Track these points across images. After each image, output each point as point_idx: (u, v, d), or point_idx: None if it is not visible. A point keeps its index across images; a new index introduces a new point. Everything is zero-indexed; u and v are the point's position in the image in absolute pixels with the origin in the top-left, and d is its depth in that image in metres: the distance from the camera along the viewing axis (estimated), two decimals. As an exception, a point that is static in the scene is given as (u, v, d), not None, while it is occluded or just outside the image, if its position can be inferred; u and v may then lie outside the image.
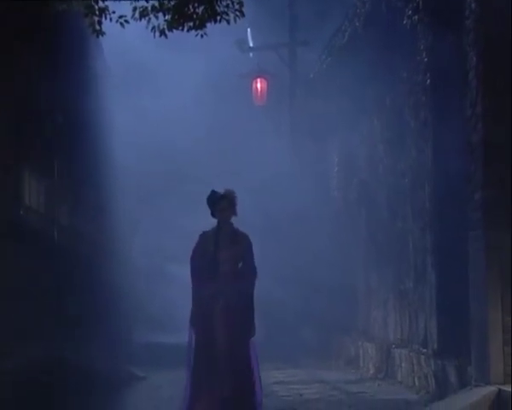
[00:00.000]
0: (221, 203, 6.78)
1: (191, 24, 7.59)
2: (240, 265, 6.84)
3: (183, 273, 17.06)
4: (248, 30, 17.68)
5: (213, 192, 6.85)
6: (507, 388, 6.39)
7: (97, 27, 7.79)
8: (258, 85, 15.24)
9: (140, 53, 15.68)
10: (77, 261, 11.67)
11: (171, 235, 16.97)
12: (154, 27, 7.67)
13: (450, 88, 8.59)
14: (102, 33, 7.93)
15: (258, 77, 15.27)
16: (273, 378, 10.68)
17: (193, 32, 7.76)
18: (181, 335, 14.86)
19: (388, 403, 8.67)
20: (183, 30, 7.68)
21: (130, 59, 14.59)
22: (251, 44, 17.13)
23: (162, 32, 7.58)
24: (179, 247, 17.71)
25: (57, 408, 8.25)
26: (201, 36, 7.78)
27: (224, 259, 6.74)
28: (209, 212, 6.90)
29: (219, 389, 6.50)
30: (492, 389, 6.48)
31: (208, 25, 7.70)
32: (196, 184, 16.82)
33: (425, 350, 9.62)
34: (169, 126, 15.60)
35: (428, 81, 9.37)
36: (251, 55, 17.19)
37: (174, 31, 7.79)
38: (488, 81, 6.72)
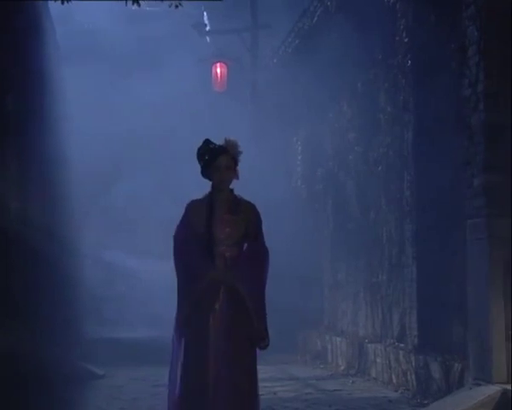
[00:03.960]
0: (219, 158, 4.92)
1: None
2: (245, 245, 5.01)
3: (142, 268, 16.45)
4: (205, 13, 17.10)
5: (208, 142, 5.00)
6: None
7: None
8: (218, 71, 14.64)
9: (96, 36, 15.07)
10: (26, 251, 10.97)
11: (127, 227, 16.35)
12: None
13: (434, 68, 8.15)
14: None
15: (218, 62, 14.67)
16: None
17: (166, 3, 7.17)
18: (137, 330, 14.28)
19: (369, 401, 8.22)
20: (156, -1, 7.09)
21: (86, 41, 13.94)
22: (208, 28, 16.56)
23: (135, 1, 6.96)
24: (135, 240, 17.23)
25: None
26: (176, 6, 7.21)
27: (222, 237, 4.92)
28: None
29: None
30: (496, 388, 6.06)
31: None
32: (147, 171, 16.24)
33: (403, 345, 9.21)
34: (123, 112, 15.02)
35: (409, 63, 8.94)
36: (208, 39, 16.60)
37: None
38: (491, 57, 6.26)
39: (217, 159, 4.94)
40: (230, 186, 5.03)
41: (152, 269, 16.30)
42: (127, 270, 16.81)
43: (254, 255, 5.01)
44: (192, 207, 5.05)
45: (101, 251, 16.73)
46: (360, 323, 10.85)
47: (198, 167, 5.18)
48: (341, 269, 11.68)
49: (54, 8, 13.29)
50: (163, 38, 15.40)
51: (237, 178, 5.02)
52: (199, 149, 5.02)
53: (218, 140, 5.05)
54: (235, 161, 5.00)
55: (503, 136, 6.27)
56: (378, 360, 9.76)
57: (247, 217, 5.02)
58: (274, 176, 14.20)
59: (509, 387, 6.08)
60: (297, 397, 8.50)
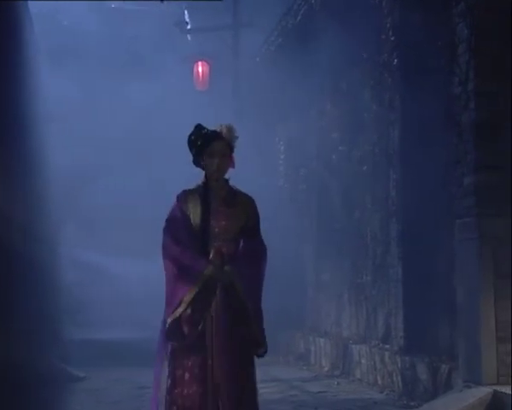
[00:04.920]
0: (213, 144, 4.47)
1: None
2: (241, 242, 4.54)
3: (123, 268, 16.24)
4: (185, 12, 16.95)
5: (200, 127, 4.52)
6: (504, 389, 5.87)
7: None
8: (200, 69, 14.49)
9: (75, 35, 14.90)
10: (2, 251, 10.76)
11: (107, 227, 16.17)
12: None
13: (422, 67, 8.08)
14: None
15: (200, 60, 14.51)
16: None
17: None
18: (118, 331, 14.09)
19: (355, 403, 8.13)
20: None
21: (66, 40, 13.76)
22: (189, 27, 16.41)
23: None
24: (115, 240, 17.04)
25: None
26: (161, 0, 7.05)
27: (218, 231, 4.47)
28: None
29: None
30: (487, 390, 5.98)
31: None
32: (129, 169, 16.08)
33: (388, 346, 9.12)
34: (105, 112, 14.85)
35: (395, 61, 8.85)
36: (189, 37, 16.46)
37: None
38: (481, 55, 6.18)
39: (210, 144, 4.48)
40: (225, 176, 4.58)
41: (133, 269, 16.14)
42: (107, 270, 16.63)
43: (252, 253, 4.55)
44: (184, 197, 4.56)
45: (80, 251, 16.54)
46: (344, 324, 10.76)
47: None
48: (325, 269, 11.58)
49: (34, 6, 13.13)
50: (144, 37, 15.24)
51: (233, 166, 4.56)
52: (190, 135, 4.54)
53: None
54: (231, 148, 4.54)
55: (493, 134, 6.19)
56: (363, 361, 9.67)
57: (245, 210, 4.57)
58: (256, 175, 14.09)
59: (499, 388, 6.00)
60: (283, 399, 8.38)
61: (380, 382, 9.07)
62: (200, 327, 4.36)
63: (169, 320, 4.38)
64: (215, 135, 4.51)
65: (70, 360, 11.50)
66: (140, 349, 11.67)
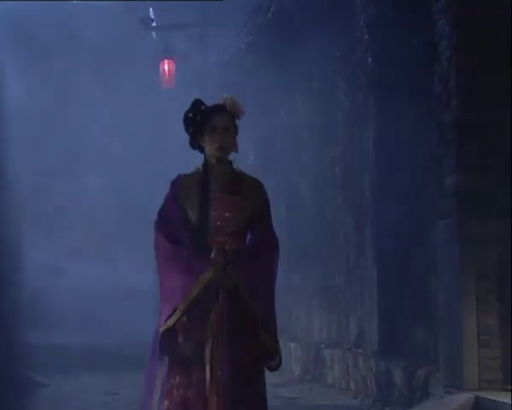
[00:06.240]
0: (215, 118, 3.85)
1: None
2: (248, 235, 3.89)
3: (84, 270, 15.86)
4: (150, 9, 16.64)
5: (199, 102, 3.93)
6: (486, 395, 5.72)
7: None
8: (166, 67, 14.20)
9: (33, 31, 14.52)
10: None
11: (67, 227, 15.82)
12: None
13: (398, 65, 7.92)
14: None
15: (166, 58, 14.22)
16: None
17: None
18: (81, 336, 13.75)
19: (329, 409, 7.94)
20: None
21: (19, 35, 13.37)
22: (154, 24, 16.10)
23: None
24: (76, 241, 16.70)
25: None
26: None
27: (220, 224, 3.80)
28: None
29: None
30: (468, 396, 5.84)
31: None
32: (91, 171, 15.75)
33: (361, 350, 8.96)
34: (67, 112, 14.52)
35: (369, 60, 8.70)
36: (154, 35, 16.14)
37: None
38: (463, 52, 6.04)
39: (212, 119, 3.84)
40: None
41: (91, 272, 15.80)
42: (67, 273, 16.27)
43: (261, 249, 3.86)
44: (179, 184, 3.88)
45: (40, 253, 16.15)
46: (315, 327, 10.58)
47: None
48: (295, 272, 11.38)
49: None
50: (107, 34, 14.90)
51: (236, 150, 3.91)
52: (187, 112, 3.91)
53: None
54: (235, 126, 3.91)
55: (475, 134, 6.04)
56: (335, 365, 9.49)
57: (253, 197, 3.88)
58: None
59: (481, 394, 5.86)
60: (254, 405, 8.15)
61: (353, 387, 8.89)
62: (197, 337, 3.75)
63: (161, 330, 3.80)
64: (218, 108, 3.91)
65: (32, 365, 11.14)
66: (104, 354, 11.42)
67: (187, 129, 3.95)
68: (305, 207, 11.02)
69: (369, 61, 8.68)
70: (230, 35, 13.17)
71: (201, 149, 3.98)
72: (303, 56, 10.46)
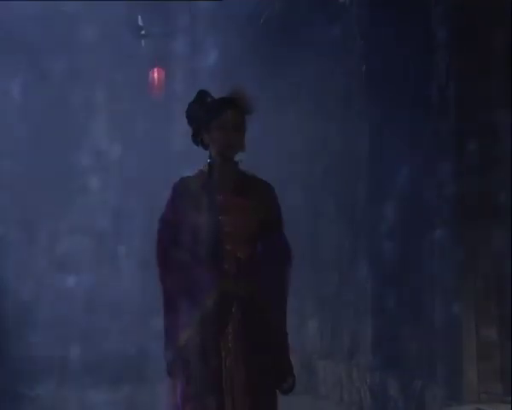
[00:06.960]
0: (225, 114, 3.52)
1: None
2: (259, 242, 3.55)
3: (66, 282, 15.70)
4: (139, 17, 16.54)
5: (204, 93, 3.59)
6: (486, 407, 5.64)
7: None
8: (156, 76, 14.08)
9: (17, 39, 14.38)
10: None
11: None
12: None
13: (394, 72, 7.86)
14: None
15: (155, 67, 14.10)
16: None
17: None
18: (64, 347, 13.59)
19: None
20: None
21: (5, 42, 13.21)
22: (143, 32, 16.00)
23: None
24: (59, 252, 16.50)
25: None
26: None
27: (228, 231, 3.48)
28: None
29: None
30: (468, 408, 5.73)
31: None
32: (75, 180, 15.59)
33: (354, 361, 8.86)
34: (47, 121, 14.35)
35: (364, 66, 8.62)
36: (143, 43, 16.04)
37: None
38: (462, 60, 5.97)
39: (220, 114, 3.51)
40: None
41: (75, 282, 15.61)
42: (53, 283, 16.10)
43: (274, 257, 3.58)
44: (182, 188, 3.54)
45: (27, 264, 15.99)
46: (306, 338, 10.46)
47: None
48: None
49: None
50: (95, 41, 14.77)
51: (244, 149, 3.62)
52: (190, 104, 3.61)
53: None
54: (245, 124, 3.56)
55: (473, 142, 5.97)
56: (328, 377, 9.39)
57: (263, 201, 3.59)
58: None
59: (481, 407, 5.77)
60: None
61: (347, 399, 8.79)
62: (211, 359, 3.39)
63: (169, 353, 3.43)
64: (228, 102, 3.56)
65: (19, 377, 10.97)
66: (92, 366, 11.25)
67: (190, 123, 3.64)
68: (294, 215, 10.90)
69: (363, 68, 8.62)
70: (223, 43, 13.09)
71: (205, 146, 3.66)
72: (295, 64, 10.38)
